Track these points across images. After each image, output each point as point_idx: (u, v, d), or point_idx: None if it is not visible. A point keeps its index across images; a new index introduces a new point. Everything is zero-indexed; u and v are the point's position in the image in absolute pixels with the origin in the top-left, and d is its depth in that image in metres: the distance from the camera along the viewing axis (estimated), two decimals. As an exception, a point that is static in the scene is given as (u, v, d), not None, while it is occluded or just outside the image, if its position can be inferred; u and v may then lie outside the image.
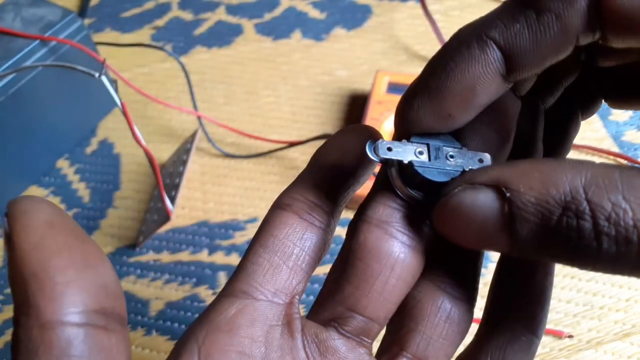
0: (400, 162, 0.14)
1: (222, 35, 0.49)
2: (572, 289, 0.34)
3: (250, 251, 0.15)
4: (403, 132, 0.15)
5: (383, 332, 0.17)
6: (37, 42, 0.35)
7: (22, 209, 0.12)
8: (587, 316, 0.33)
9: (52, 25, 0.35)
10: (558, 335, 0.32)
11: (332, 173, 0.16)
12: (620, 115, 0.43)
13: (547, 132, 0.18)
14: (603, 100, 0.18)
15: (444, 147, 0.15)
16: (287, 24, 0.50)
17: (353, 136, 0.15)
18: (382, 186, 0.15)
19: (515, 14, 0.13)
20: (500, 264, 0.17)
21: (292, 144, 0.40)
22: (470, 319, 0.16)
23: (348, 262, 0.15)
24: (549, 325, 0.32)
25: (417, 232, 0.15)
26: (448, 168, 0.14)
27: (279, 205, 0.15)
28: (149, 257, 0.36)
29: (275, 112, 0.43)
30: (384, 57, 0.47)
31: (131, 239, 0.37)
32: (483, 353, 0.16)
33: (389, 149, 0.14)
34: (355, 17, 0.50)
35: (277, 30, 0.49)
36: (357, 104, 0.43)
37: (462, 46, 0.14)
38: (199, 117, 0.42)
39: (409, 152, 0.14)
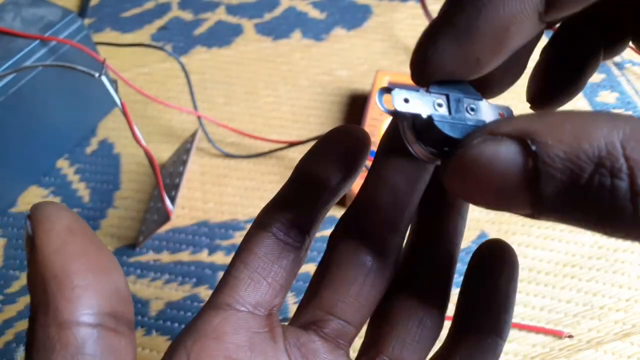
0: (417, 117, 0.12)
1: (222, 35, 0.49)
2: (572, 288, 0.34)
3: (232, 266, 0.16)
4: (422, 79, 0.13)
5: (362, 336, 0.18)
6: (37, 42, 0.35)
7: (45, 214, 0.12)
8: (587, 316, 0.33)
9: (52, 25, 0.35)
10: (558, 335, 0.32)
11: (312, 188, 0.16)
12: (595, 76, 0.44)
13: (561, 64, 0.16)
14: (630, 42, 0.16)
15: (465, 99, 0.13)
16: (287, 24, 0.50)
17: (336, 144, 0.16)
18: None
19: None
20: (469, 270, 0.18)
21: (292, 144, 0.40)
22: (442, 323, 0.17)
23: (327, 269, 0.16)
24: (549, 325, 0.32)
25: (388, 243, 0.16)
26: (470, 122, 0.13)
27: (259, 226, 0.16)
28: (149, 257, 0.36)
29: (275, 112, 0.43)
30: (384, 57, 0.47)
31: (131, 239, 0.37)
32: (453, 355, 0.17)
33: (406, 101, 0.12)
34: (356, 17, 0.50)
35: (277, 30, 0.49)
36: (357, 104, 0.43)
37: None
38: (199, 117, 0.42)
39: (427, 105, 0.12)
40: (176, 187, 0.35)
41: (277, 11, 0.51)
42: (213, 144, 0.41)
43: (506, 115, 0.13)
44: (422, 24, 0.48)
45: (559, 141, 0.10)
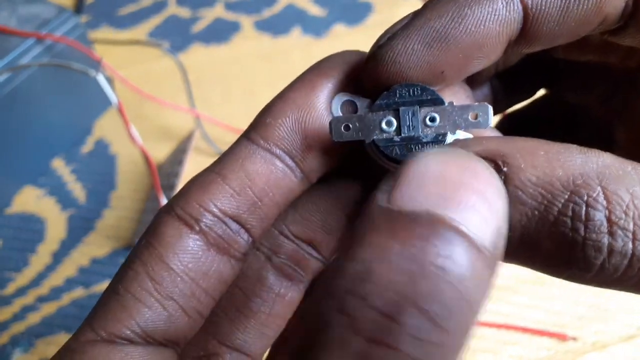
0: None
1: (220, 32, 0.48)
2: (576, 291, 0.33)
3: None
4: (375, 83, 0.12)
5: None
6: (32, 40, 0.34)
7: None
8: (593, 318, 0.32)
9: (48, 23, 0.35)
10: (562, 338, 0.31)
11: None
12: None
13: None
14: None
15: (422, 109, 0.11)
16: (286, 21, 0.49)
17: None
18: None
19: None
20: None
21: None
22: None
23: (226, 293, 0.12)
24: (554, 328, 0.32)
25: (305, 265, 0.13)
26: (425, 139, 0.11)
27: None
28: (146, 258, 0.36)
29: (274, 110, 0.43)
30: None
31: (127, 240, 0.36)
32: None
33: (347, 128, 0.11)
34: (356, 13, 0.49)
35: (276, 27, 0.49)
36: (357, 102, 0.43)
37: None
38: (196, 116, 0.41)
39: (372, 127, 0.11)
40: (173, 187, 0.35)
41: (277, 8, 0.50)
42: (211, 143, 0.41)
43: (481, 115, 0.11)
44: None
45: (532, 166, 0.10)
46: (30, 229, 0.37)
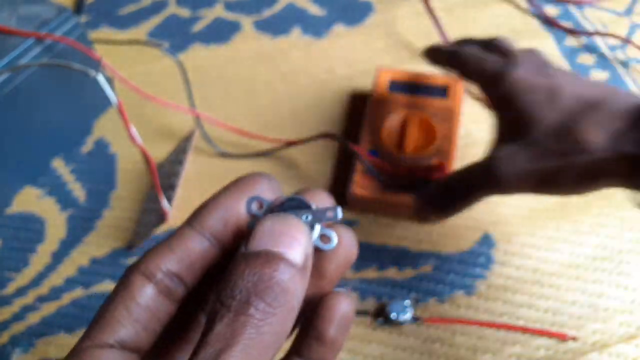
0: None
1: (221, 32, 0.48)
2: (576, 290, 0.33)
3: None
4: None
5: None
6: (32, 40, 0.34)
7: None
8: (592, 318, 0.32)
9: (48, 22, 0.35)
10: (562, 337, 0.32)
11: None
12: (599, 74, 0.45)
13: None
14: None
15: (300, 211, 0.16)
16: (286, 21, 0.49)
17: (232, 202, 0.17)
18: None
19: None
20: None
21: (291, 143, 0.39)
22: None
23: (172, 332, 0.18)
24: (553, 328, 0.32)
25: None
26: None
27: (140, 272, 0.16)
28: (146, 258, 0.36)
29: (274, 110, 0.43)
30: (385, 54, 0.46)
31: (127, 240, 0.37)
32: None
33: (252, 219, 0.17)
34: (356, 13, 0.49)
35: (276, 27, 0.49)
36: (357, 103, 0.43)
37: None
38: (196, 116, 0.41)
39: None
40: (173, 187, 0.35)
41: (277, 7, 0.50)
42: (211, 143, 0.41)
43: (334, 214, 0.16)
44: (424, 20, 0.47)
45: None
46: (30, 229, 0.37)
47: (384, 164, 0.36)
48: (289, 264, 0.14)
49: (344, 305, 0.16)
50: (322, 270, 0.17)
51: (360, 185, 0.35)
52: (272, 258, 0.14)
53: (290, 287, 0.14)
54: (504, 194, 0.27)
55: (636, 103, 0.24)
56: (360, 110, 0.41)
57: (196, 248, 0.16)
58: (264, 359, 0.13)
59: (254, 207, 0.17)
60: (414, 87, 0.40)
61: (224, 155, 0.40)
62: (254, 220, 0.16)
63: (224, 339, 0.13)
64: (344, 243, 0.16)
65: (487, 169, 0.27)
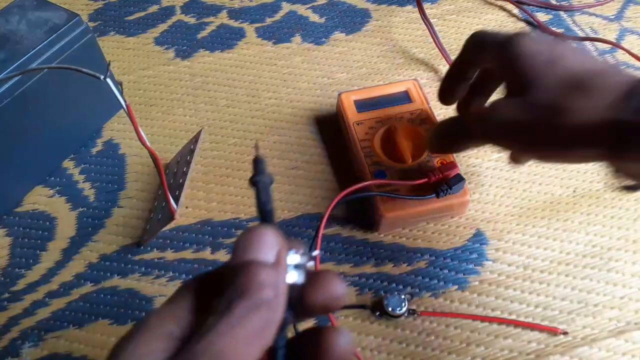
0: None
1: (225, 39, 0.50)
2: (566, 286, 0.34)
3: None
4: None
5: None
6: (42, 44, 0.35)
7: None
8: (582, 313, 0.33)
9: (58, 28, 0.36)
10: (553, 332, 0.32)
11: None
12: None
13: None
14: None
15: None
16: (287, 28, 0.50)
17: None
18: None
19: None
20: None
21: (292, 145, 0.41)
22: None
23: None
24: (544, 322, 0.33)
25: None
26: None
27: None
28: (153, 255, 0.37)
29: (276, 113, 0.44)
30: (382, 60, 0.47)
31: (136, 238, 0.37)
32: None
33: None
34: (355, 21, 0.51)
35: (278, 34, 0.50)
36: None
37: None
38: (203, 118, 0.42)
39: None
40: (180, 186, 0.36)
41: (278, 15, 0.51)
42: (216, 144, 0.42)
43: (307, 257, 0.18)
44: (420, 27, 0.49)
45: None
46: (41, 227, 0.38)
47: (396, 182, 0.35)
48: (261, 265, 0.16)
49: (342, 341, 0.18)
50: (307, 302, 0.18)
51: (387, 209, 0.34)
52: (246, 266, 0.16)
53: (267, 282, 0.16)
54: (496, 143, 0.28)
55: (631, 79, 0.24)
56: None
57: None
58: (251, 342, 0.15)
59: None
60: (377, 101, 0.40)
61: (228, 156, 0.42)
62: None
63: (214, 322, 0.15)
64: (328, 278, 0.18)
65: (484, 114, 0.28)
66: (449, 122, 0.32)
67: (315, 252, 0.19)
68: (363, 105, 0.40)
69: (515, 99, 0.26)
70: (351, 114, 0.39)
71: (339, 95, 0.40)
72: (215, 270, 0.18)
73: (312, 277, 0.18)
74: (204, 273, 0.18)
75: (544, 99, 0.25)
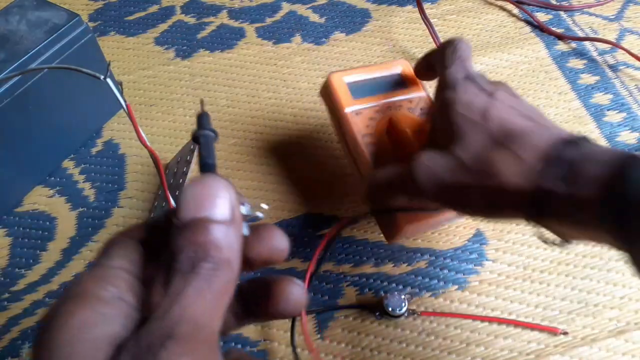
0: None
1: (225, 39, 0.50)
2: (566, 286, 0.34)
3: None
4: None
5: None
6: (42, 44, 0.35)
7: None
8: (582, 313, 0.33)
9: (58, 28, 0.36)
10: (553, 332, 0.32)
11: None
12: (589, 78, 0.46)
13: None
14: None
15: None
16: (287, 28, 0.50)
17: None
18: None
19: None
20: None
21: (291, 145, 0.41)
22: None
23: None
24: (544, 322, 0.33)
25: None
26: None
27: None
28: (152, 255, 0.37)
29: (276, 114, 0.44)
30: (382, 60, 0.47)
31: (135, 238, 0.37)
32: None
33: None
34: (355, 21, 0.51)
35: (278, 33, 0.50)
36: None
37: None
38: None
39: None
40: (180, 186, 0.36)
41: (278, 15, 0.52)
42: (216, 145, 0.42)
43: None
44: (420, 27, 0.49)
45: None
46: (41, 227, 0.38)
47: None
48: (218, 223, 0.15)
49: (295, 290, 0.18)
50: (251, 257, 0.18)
51: (405, 220, 0.30)
52: (200, 224, 0.15)
53: (225, 242, 0.15)
54: (422, 199, 0.27)
55: (555, 140, 0.24)
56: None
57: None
58: (219, 302, 0.15)
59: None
60: (373, 85, 0.34)
61: (228, 156, 0.42)
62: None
63: (182, 286, 0.15)
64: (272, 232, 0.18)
65: (407, 172, 0.27)
66: (374, 182, 0.30)
67: (265, 206, 0.19)
68: (358, 90, 0.32)
69: (441, 154, 0.26)
70: (346, 100, 0.32)
71: (329, 75, 0.33)
72: (156, 223, 0.18)
73: (255, 230, 0.18)
74: (140, 224, 0.18)
75: (469, 158, 0.25)
